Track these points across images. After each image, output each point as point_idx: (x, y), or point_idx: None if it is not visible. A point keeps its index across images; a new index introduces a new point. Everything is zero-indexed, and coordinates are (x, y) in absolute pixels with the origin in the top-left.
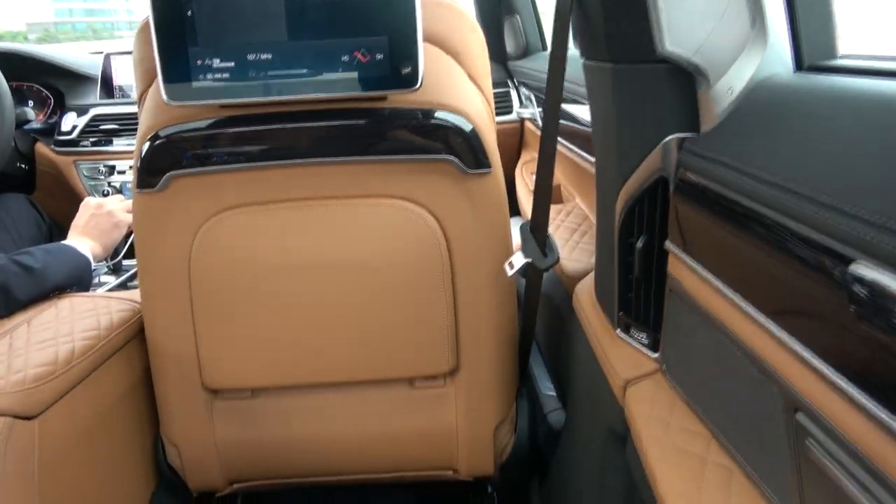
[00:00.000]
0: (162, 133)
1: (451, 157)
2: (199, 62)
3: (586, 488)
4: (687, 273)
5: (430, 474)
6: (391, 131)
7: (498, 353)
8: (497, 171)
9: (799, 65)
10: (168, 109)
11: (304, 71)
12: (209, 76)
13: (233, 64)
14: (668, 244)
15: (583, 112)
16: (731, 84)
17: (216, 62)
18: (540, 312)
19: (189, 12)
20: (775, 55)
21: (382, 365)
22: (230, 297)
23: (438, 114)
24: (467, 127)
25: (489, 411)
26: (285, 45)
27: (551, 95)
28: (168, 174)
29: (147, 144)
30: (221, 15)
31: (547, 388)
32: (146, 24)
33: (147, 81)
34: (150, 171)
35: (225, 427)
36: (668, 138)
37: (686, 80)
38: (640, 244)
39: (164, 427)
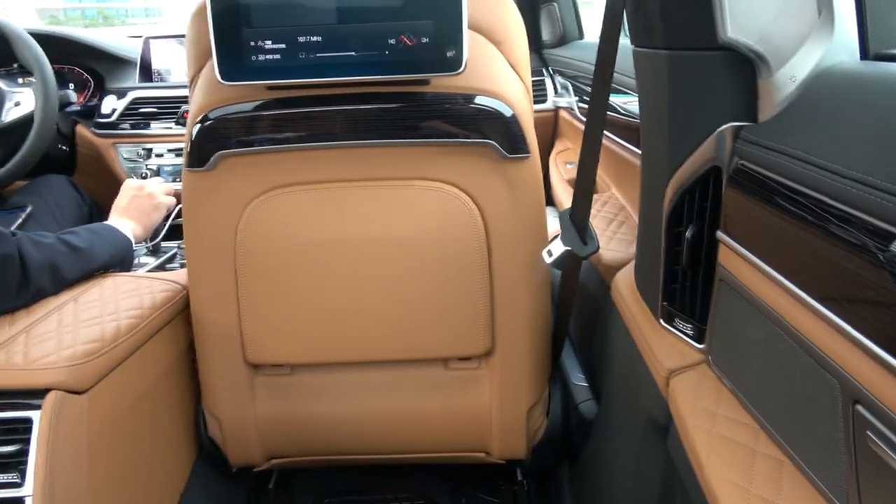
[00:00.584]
0: (212, 114)
1: (491, 142)
2: (252, 43)
3: (621, 477)
4: (740, 263)
5: (463, 456)
6: (433, 115)
7: (532, 336)
8: (535, 157)
9: (865, 53)
10: (219, 91)
11: (353, 53)
12: (261, 57)
13: (284, 46)
14: (720, 234)
15: (622, 101)
16: (793, 72)
17: (268, 44)
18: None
19: None
20: (841, 43)
21: (419, 344)
22: (273, 274)
23: (480, 99)
24: (508, 112)
25: (522, 393)
26: (334, 28)
27: (599, 84)
28: (217, 154)
29: (198, 125)
30: None
31: (578, 379)
32: (202, 8)
33: (199, 63)
34: (200, 151)
35: (265, 402)
36: (723, 127)
37: (745, 67)
38: (689, 234)
39: (206, 400)
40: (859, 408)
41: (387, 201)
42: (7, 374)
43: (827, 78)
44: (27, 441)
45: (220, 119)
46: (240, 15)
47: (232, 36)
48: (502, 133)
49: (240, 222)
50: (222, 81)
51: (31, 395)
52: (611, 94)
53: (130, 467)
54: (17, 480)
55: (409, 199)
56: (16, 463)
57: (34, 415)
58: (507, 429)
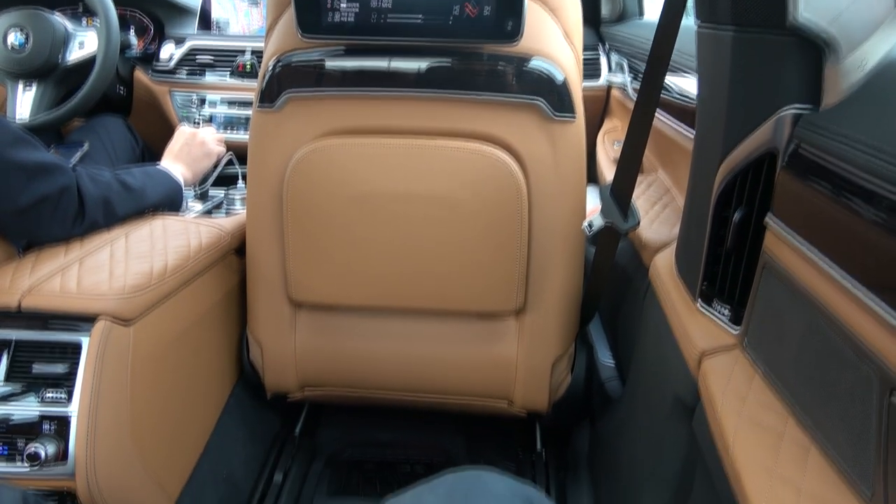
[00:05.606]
0: (285, 58)
1: (540, 101)
2: (328, 4)
3: (641, 454)
4: (786, 249)
5: (486, 402)
6: (489, 72)
7: (564, 296)
8: (580, 121)
9: None
10: (292, 37)
11: (419, 19)
12: (336, 17)
13: (357, 8)
14: (769, 219)
15: (677, 82)
16: (864, 58)
17: (343, 5)
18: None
19: None
20: None
21: (453, 298)
22: (318, 219)
23: (534, 61)
24: (559, 76)
25: (549, 346)
26: None
27: (656, 61)
28: (286, 94)
29: (271, 66)
30: None
31: (606, 358)
32: None
33: (278, 12)
34: (271, 90)
35: (305, 333)
36: (783, 111)
37: (813, 50)
38: (736, 217)
39: (250, 325)
40: (895, 399)
41: (433, 160)
42: (61, 299)
43: None
44: (76, 363)
45: (291, 63)
46: None
47: None
48: (552, 93)
49: (289, 165)
50: (301, 36)
51: (82, 321)
52: (670, 75)
53: (172, 393)
54: (63, 398)
55: (455, 158)
56: (64, 383)
57: (84, 339)
58: (531, 378)
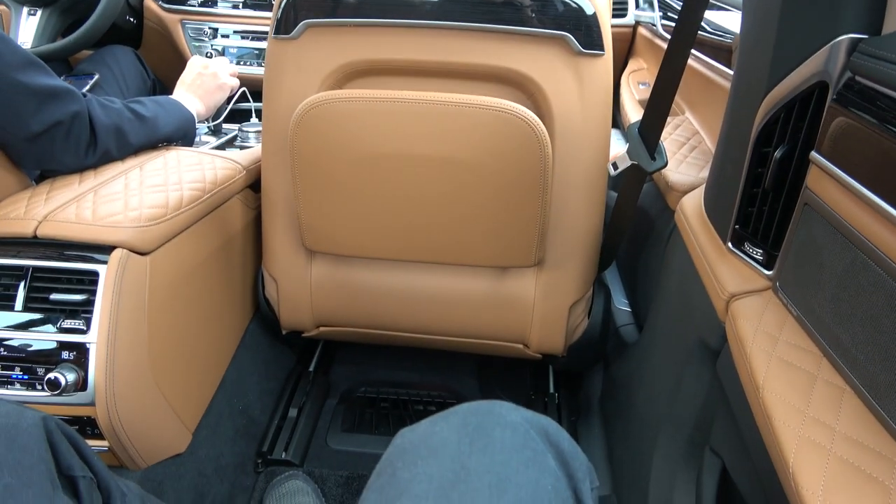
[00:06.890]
0: None
1: (567, 34)
2: None
3: (658, 398)
4: (832, 186)
5: (502, 345)
6: (515, 3)
7: (584, 245)
8: (608, 57)
9: None
10: None
11: None
12: None
13: None
14: (815, 155)
15: (712, 17)
16: None
17: None
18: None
19: None
20: None
21: (470, 255)
22: (328, 176)
23: None
24: (589, 9)
25: (566, 292)
26: None
27: None
28: (304, 22)
29: None
30: None
31: (621, 303)
32: None
33: None
34: (288, 18)
35: (320, 272)
36: (838, 38)
37: None
38: (778, 154)
39: (266, 262)
40: None
41: (451, 120)
42: (77, 228)
43: None
44: (93, 293)
45: None
46: None
47: None
48: (581, 27)
49: (295, 117)
50: None
51: (99, 250)
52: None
53: (188, 325)
54: (82, 328)
55: (473, 118)
56: (82, 311)
57: (101, 269)
58: (547, 322)
